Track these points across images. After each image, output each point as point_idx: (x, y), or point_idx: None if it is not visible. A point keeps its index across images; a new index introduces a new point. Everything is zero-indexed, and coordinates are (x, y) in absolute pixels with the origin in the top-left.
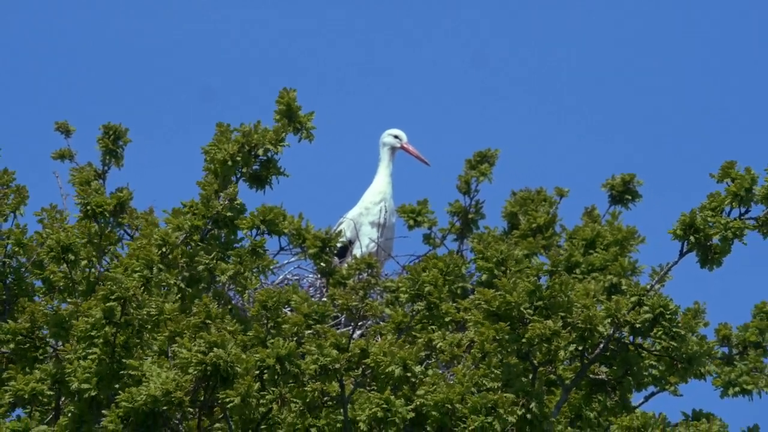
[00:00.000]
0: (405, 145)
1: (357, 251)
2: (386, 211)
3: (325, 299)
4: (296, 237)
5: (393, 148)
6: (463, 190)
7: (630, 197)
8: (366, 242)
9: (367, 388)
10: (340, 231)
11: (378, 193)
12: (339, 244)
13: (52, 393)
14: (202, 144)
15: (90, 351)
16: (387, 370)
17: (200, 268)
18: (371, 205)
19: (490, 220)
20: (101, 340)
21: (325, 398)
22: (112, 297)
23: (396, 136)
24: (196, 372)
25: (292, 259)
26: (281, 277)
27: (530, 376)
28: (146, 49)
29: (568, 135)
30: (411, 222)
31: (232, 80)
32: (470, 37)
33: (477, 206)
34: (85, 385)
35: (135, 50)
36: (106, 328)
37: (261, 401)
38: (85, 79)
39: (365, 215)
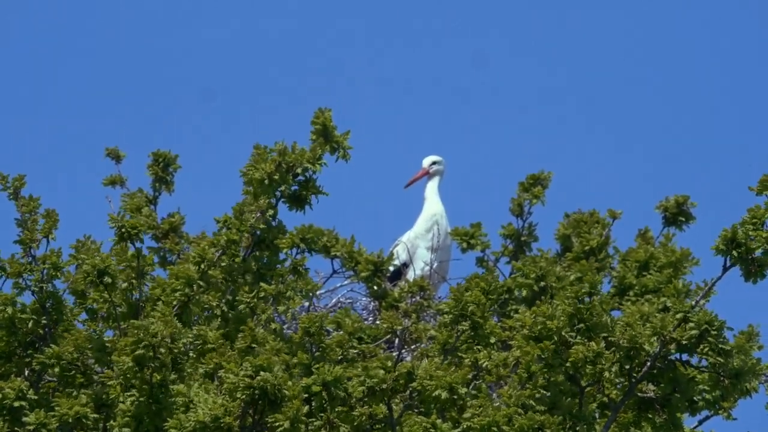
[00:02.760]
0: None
1: (411, 274)
2: (440, 234)
3: (378, 322)
4: (348, 260)
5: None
6: (516, 212)
7: (684, 219)
8: (420, 265)
9: (415, 410)
10: (392, 254)
11: (430, 216)
12: (392, 267)
13: (97, 416)
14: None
15: (128, 394)
16: (434, 394)
17: (241, 307)
18: (424, 229)
19: (543, 242)
20: (138, 382)
21: (374, 421)
22: (141, 345)
23: (434, 163)
24: (243, 396)
25: (345, 282)
26: (335, 300)
27: (577, 399)
28: (183, 66)
29: (622, 157)
30: (464, 245)
31: (272, 104)
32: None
33: (530, 229)
34: (125, 430)
35: (176, 71)
36: (139, 374)
37: (309, 427)
38: (128, 103)
39: (420, 238)
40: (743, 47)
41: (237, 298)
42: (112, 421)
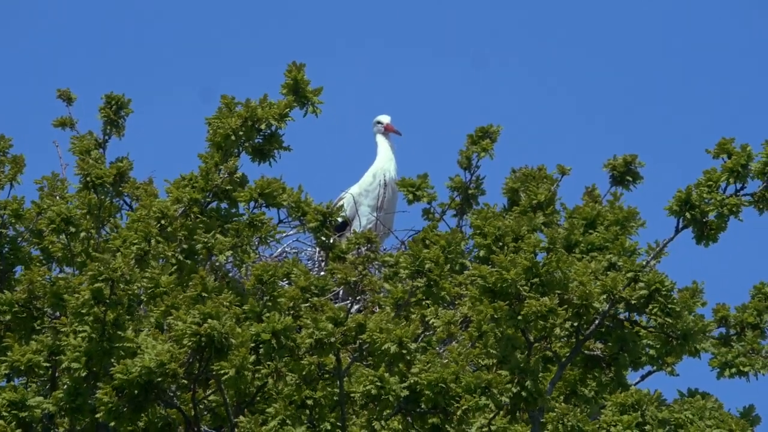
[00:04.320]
0: (387, 126)
1: (356, 227)
2: (385, 187)
3: (323, 273)
4: (295, 210)
5: (382, 133)
6: (464, 165)
7: (631, 178)
8: (365, 221)
9: (364, 362)
10: (342, 206)
11: (374, 173)
12: (339, 219)
13: (48, 365)
14: (206, 114)
15: (80, 329)
16: (383, 348)
17: (198, 246)
18: (369, 185)
19: (490, 196)
20: (91, 318)
21: (322, 371)
22: (101, 278)
23: (379, 122)
24: (190, 343)
25: (291, 232)
26: (280, 250)
27: (525, 353)
28: (149, 14)
29: (570, 114)
30: (410, 196)
31: (234, 50)
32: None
33: (477, 182)
34: (75, 364)
35: (137, 16)
36: (95, 309)
37: (256, 375)
38: (87, 46)
39: (364, 195)
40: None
41: (194, 237)
42: (62, 356)
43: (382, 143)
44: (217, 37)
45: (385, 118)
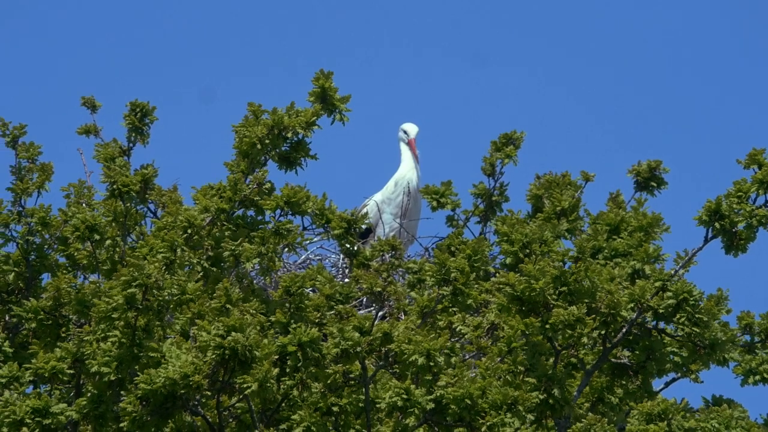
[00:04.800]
0: (410, 141)
1: (379, 234)
2: (408, 195)
3: (347, 280)
4: (319, 217)
5: (405, 142)
6: (487, 172)
7: (656, 184)
8: (387, 228)
9: (389, 369)
10: (366, 213)
11: (396, 181)
12: (364, 226)
13: (72, 372)
14: (232, 121)
15: (110, 334)
16: (410, 359)
17: (226, 254)
18: (391, 193)
19: (514, 203)
20: (122, 323)
21: (347, 379)
22: (134, 284)
23: (405, 131)
24: (214, 356)
25: (315, 239)
26: (304, 256)
27: (552, 360)
28: (173, 23)
29: (594, 120)
30: (434, 203)
31: (262, 55)
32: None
33: (501, 188)
34: (104, 369)
35: (161, 25)
36: (128, 313)
37: (281, 386)
38: (111, 54)
39: (386, 203)
40: (729, 13)
41: (222, 244)
42: (90, 361)
43: (406, 152)
44: (233, 38)
45: (411, 129)
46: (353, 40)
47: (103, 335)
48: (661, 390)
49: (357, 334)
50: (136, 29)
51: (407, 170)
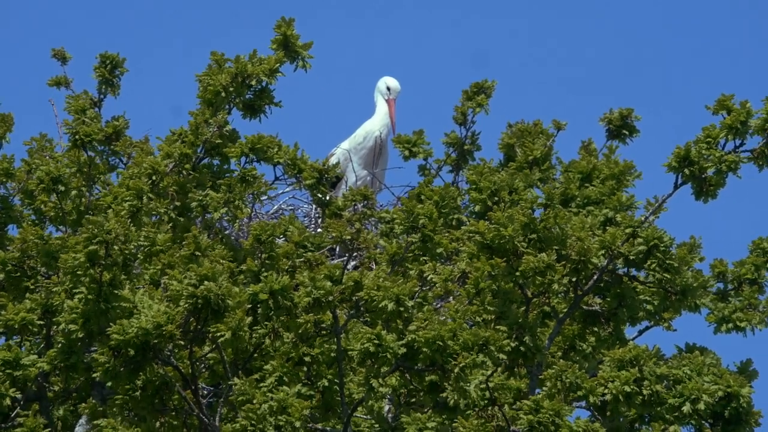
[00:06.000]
0: (390, 100)
1: (350, 182)
2: (377, 145)
3: (320, 230)
4: (291, 167)
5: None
6: (459, 121)
7: (627, 132)
8: (353, 177)
9: (361, 318)
10: (337, 163)
11: (365, 134)
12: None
13: (42, 323)
14: (199, 72)
15: (77, 290)
16: (380, 305)
17: (193, 204)
18: (358, 144)
19: (486, 152)
20: (87, 280)
21: (318, 329)
22: (95, 240)
23: (388, 88)
24: (187, 305)
25: (287, 189)
26: (276, 207)
27: (523, 308)
28: None
29: (566, 67)
30: (406, 153)
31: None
32: None
33: (473, 138)
34: (72, 326)
35: None
36: (91, 270)
37: (253, 335)
38: (82, 6)
39: (354, 152)
40: None
41: (189, 195)
42: (59, 317)
43: (382, 105)
44: None
45: (394, 87)
46: None
47: (70, 286)
48: (634, 338)
49: (329, 284)
50: None
51: (380, 125)
